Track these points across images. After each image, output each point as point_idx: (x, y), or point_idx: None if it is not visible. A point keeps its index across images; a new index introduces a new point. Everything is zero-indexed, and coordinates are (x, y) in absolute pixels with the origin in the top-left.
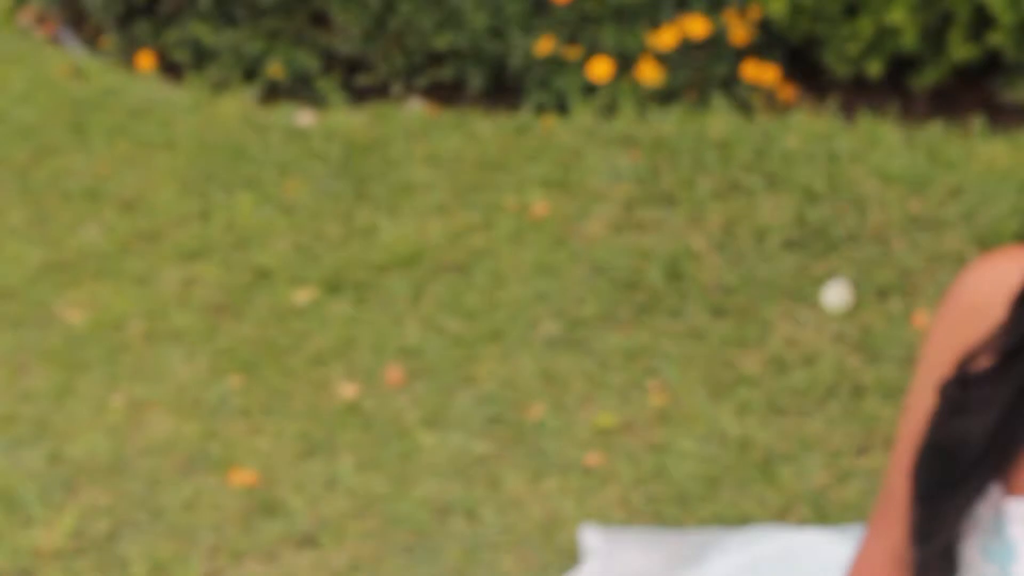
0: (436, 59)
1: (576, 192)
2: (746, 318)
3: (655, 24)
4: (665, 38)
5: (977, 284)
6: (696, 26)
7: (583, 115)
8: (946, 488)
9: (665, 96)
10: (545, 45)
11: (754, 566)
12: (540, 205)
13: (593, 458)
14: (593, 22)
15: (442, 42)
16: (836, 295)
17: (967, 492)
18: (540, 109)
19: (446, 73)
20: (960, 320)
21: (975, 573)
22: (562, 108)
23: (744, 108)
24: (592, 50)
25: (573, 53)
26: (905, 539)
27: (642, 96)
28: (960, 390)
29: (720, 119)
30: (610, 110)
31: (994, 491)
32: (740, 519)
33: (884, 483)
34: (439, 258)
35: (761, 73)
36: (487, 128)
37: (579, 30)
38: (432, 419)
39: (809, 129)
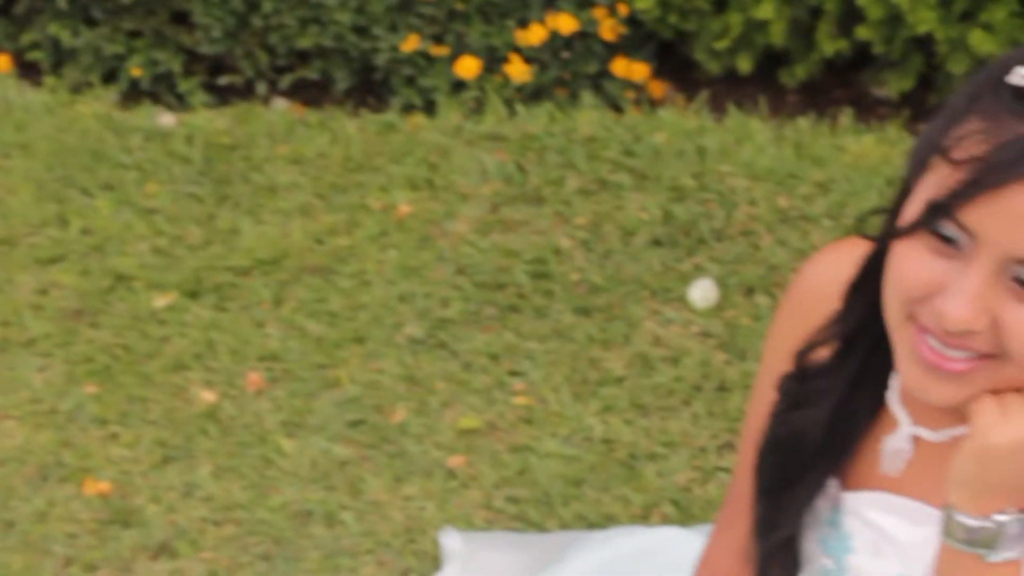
0: (301, 58)
1: (443, 192)
2: (612, 317)
3: (523, 21)
4: (533, 35)
5: (814, 277)
6: (565, 23)
7: (451, 114)
8: (786, 483)
9: (534, 94)
10: (411, 43)
11: (611, 563)
12: (405, 205)
13: (456, 461)
14: (460, 19)
15: (307, 40)
16: (702, 293)
17: (806, 486)
18: (407, 108)
19: (311, 72)
20: (799, 313)
21: (814, 566)
22: (430, 107)
23: (614, 106)
24: (460, 48)
25: (440, 51)
26: (749, 534)
27: (511, 94)
28: (798, 384)
29: (589, 116)
30: (478, 109)
31: (831, 485)
32: (603, 519)
33: (732, 479)
34: (302, 260)
35: (631, 70)
36: (353, 128)
37: (446, 27)
38: (293, 424)
39: (678, 126)
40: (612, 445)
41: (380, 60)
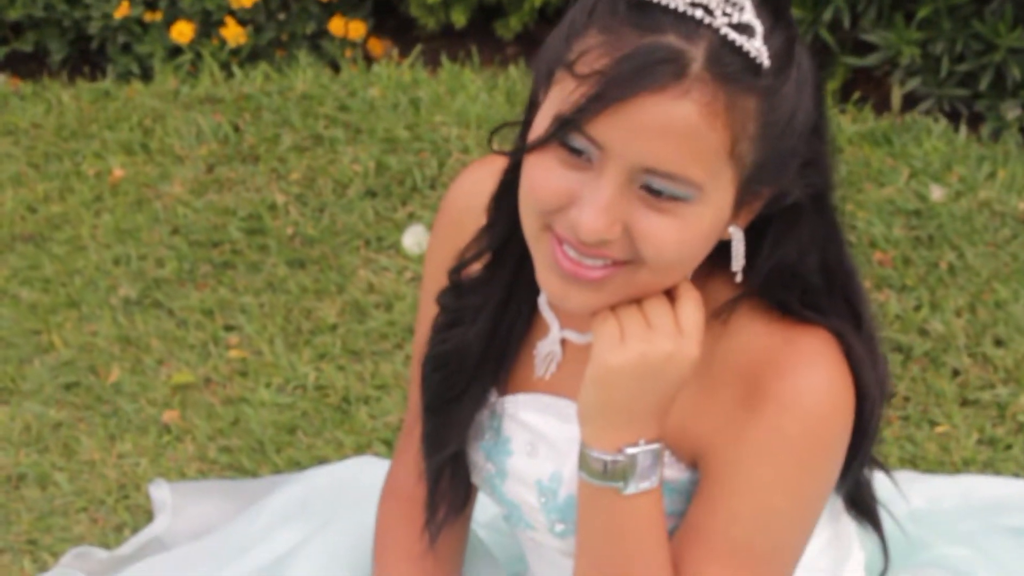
0: (15, 30)
1: (158, 155)
2: (326, 267)
3: None
4: None
5: (461, 194)
6: None
7: (167, 79)
8: (450, 398)
9: (251, 56)
10: (124, 9)
11: (308, 496)
12: (120, 170)
13: (170, 415)
14: None
15: (16, 12)
16: (414, 238)
17: (470, 400)
18: (125, 76)
19: (25, 45)
20: (450, 230)
21: (480, 474)
22: (148, 74)
23: (333, 65)
24: (173, 13)
25: (154, 16)
26: (418, 451)
27: (227, 57)
28: (454, 299)
29: (305, 75)
30: (195, 73)
31: (492, 394)
32: (316, 462)
33: (407, 399)
34: (14, 229)
35: (349, 29)
36: (68, 97)
37: None
38: (5, 391)
39: (393, 80)
40: (325, 391)
41: (93, 28)
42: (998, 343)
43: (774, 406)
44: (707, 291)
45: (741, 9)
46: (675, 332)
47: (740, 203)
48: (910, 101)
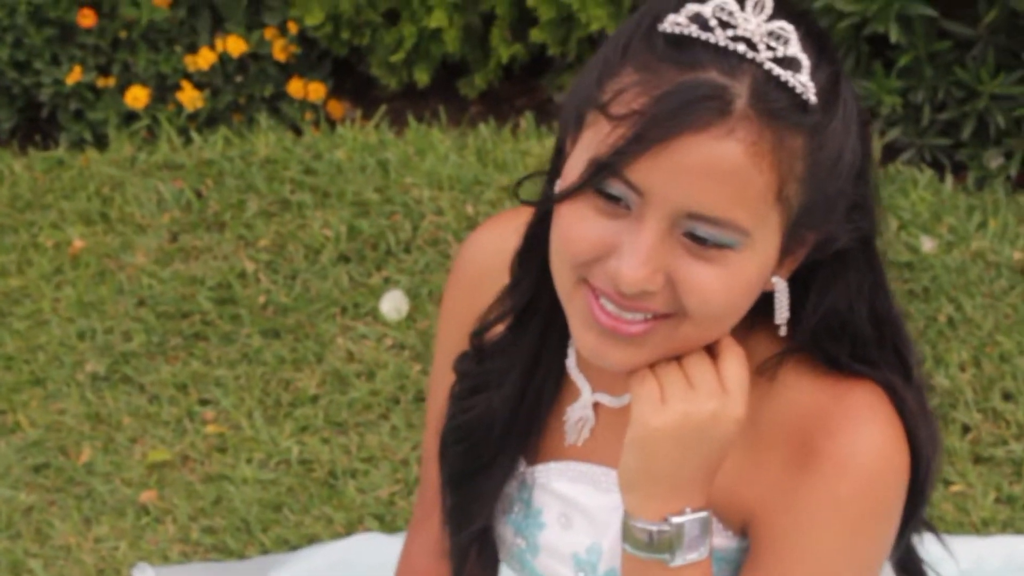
0: None
1: (118, 224)
2: (302, 336)
3: (192, 47)
4: (203, 59)
5: (477, 252)
6: (234, 45)
7: (123, 146)
8: (475, 470)
9: (209, 120)
10: (76, 75)
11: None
12: (79, 241)
13: (147, 496)
14: (126, 47)
15: None
16: (392, 304)
17: (497, 471)
18: (78, 144)
19: None
20: (466, 292)
21: (509, 549)
22: (102, 141)
23: (293, 127)
24: (127, 78)
25: (107, 82)
26: (441, 528)
27: (185, 122)
28: (476, 365)
29: (267, 139)
30: (152, 139)
31: (520, 463)
32: (305, 540)
33: (420, 474)
34: None
35: (308, 90)
36: (20, 167)
37: (111, 57)
38: None
39: (358, 141)
40: (310, 465)
41: (44, 95)
42: (1007, 397)
43: (827, 467)
44: (750, 346)
45: (786, 43)
46: (719, 391)
47: (786, 250)
48: (891, 151)
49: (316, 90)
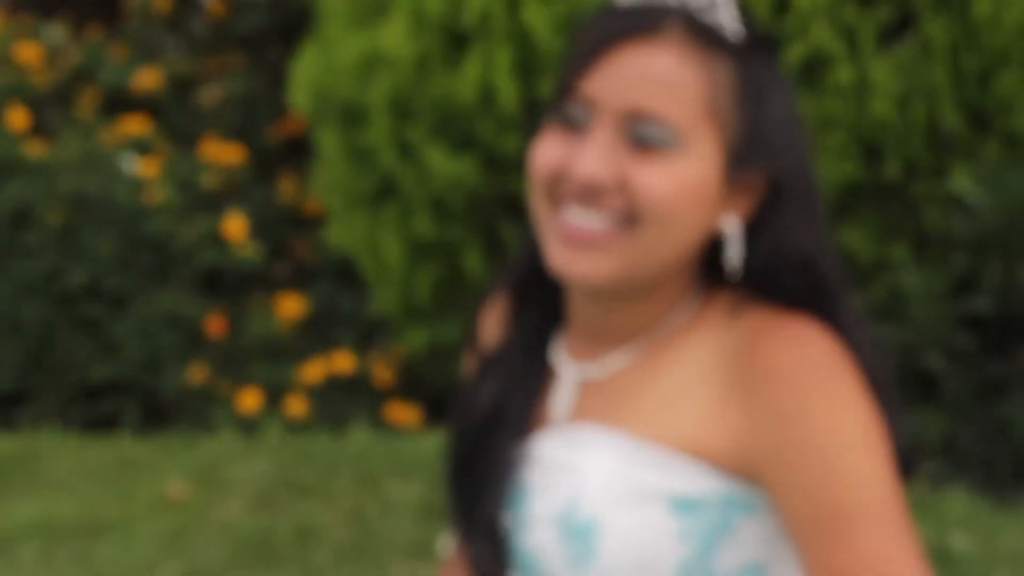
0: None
1: (212, 485)
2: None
3: (303, 357)
4: (312, 373)
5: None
6: (342, 362)
7: (230, 437)
8: (474, 459)
9: (310, 427)
10: (198, 375)
11: None
12: (176, 489)
13: None
14: (245, 354)
15: (98, 373)
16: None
17: (496, 460)
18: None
19: (102, 408)
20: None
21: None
22: (211, 434)
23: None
24: (242, 381)
25: (224, 386)
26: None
27: (288, 426)
28: (475, 360)
29: (360, 436)
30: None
31: (516, 449)
32: None
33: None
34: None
35: (402, 414)
36: (132, 444)
37: (230, 362)
38: None
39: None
40: None
41: (166, 394)
42: None
43: (765, 369)
44: (716, 298)
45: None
46: None
47: (729, 177)
48: (930, 484)
49: (411, 416)
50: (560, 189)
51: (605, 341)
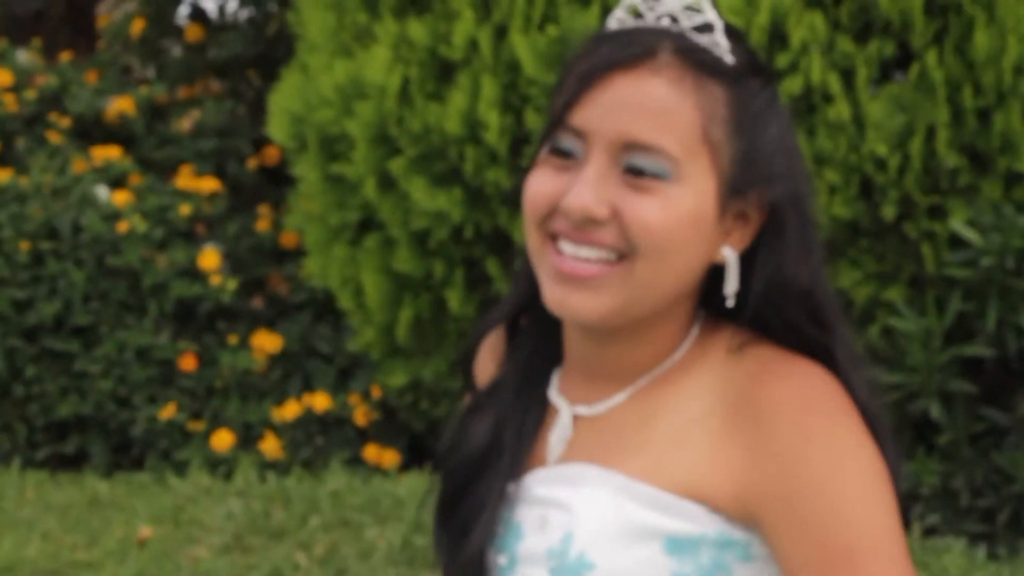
0: (61, 429)
1: (185, 527)
2: None
3: (281, 399)
4: (288, 411)
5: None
6: (320, 401)
7: (202, 478)
8: (464, 495)
9: (285, 467)
10: (170, 412)
11: None
12: (147, 531)
13: None
14: (220, 394)
15: (66, 410)
16: None
17: (485, 495)
18: (161, 475)
19: (68, 446)
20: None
21: (493, 572)
22: (182, 472)
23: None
24: (216, 422)
25: (197, 425)
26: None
27: (263, 467)
28: (470, 394)
29: (336, 477)
30: (229, 476)
31: (508, 486)
32: None
33: None
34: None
35: (382, 457)
36: (104, 487)
37: (203, 400)
38: None
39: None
40: None
41: (137, 431)
42: None
43: (765, 407)
44: (718, 337)
45: (700, 12)
46: None
47: (724, 206)
48: (928, 533)
49: (390, 459)
50: (554, 224)
51: (602, 378)
